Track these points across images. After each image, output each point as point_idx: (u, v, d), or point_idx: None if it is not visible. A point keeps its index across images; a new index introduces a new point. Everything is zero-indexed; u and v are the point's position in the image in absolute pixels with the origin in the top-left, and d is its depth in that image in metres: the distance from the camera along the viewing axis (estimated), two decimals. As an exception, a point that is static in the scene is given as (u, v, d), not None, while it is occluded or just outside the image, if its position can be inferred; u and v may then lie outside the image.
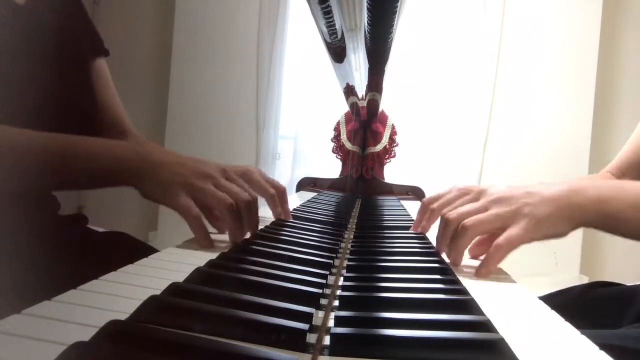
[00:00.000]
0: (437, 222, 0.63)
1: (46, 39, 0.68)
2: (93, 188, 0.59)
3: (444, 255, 0.58)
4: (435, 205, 0.66)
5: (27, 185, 0.53)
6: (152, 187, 0.56)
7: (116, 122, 0.86)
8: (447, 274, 0.50)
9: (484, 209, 0.55)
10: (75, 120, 0.74)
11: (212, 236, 0.60)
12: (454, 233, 0.55)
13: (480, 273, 0.51)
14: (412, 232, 0.72)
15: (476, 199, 0.58)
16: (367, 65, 0.76)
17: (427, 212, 0.68)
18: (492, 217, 0.53)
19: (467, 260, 0.58)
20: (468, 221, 0.54)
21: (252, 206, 0.59)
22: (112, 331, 0.27)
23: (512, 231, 0.51)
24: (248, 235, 0.59)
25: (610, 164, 0.89)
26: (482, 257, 0.53)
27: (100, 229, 0.81)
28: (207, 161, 0.61)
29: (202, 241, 0.55)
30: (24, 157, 0.52)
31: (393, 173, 1.54)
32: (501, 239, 0.51)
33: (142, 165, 0.57)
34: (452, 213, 0.57)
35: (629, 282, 0.71)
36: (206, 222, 0.58)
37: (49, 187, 0.55)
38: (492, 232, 0.54)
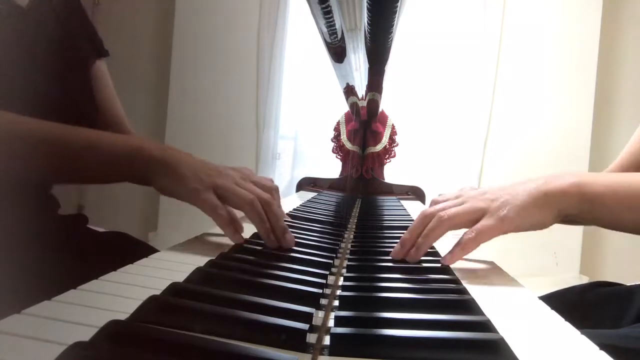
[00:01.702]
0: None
1: (49, 42, 0.68)
2: (106, 181, 0.57)
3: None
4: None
5: (36, 174, 0.52)
6: (173, 182, 0.54)
7: (116, 124, 0.86)
8: (448, 273, 0.50)
9: (461, 203, 0.55)
10: (76, 123, 0.74)
11: (211, 238, 0.60)
12: (427, 225, 0.55)
13: (445, 259, 0.52)
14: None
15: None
16: (367, 65, 0.76)
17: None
18: (467, 208, 0.54)
19: (466, 261, 0.57)
20: (443, 213, 0.54)
21: (273, 203, 0.59)
22: (112, 331, 0.27)
23: (484, 222, 0.52)
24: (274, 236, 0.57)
25: (611, 165, 0.89)
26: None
27: (100, 229, 0.81)
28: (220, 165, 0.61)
29: (232, 237, 0.54)
30: (33, 143, 0.51)
31: (393, 173, 1.54)
32: (476, 227, 0.52)
33: (162, 158, 0.55)
34: (429, 208, 0.57)
35: (629, 282, 0.71)
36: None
37: (58, 178, 0.53)
38: (469, 225, 0.54)
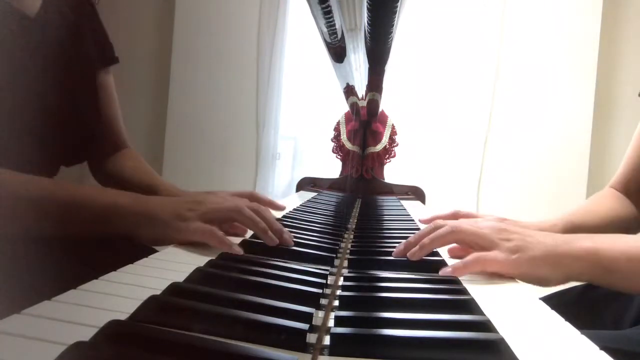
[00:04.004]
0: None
1: (55, 52, 0.68)
2: (92, 237, 0.57)
3: (446, 257, 0.58)
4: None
5: (23, 233, 0.52)
6: (158, 231, 0.55)
7: (115, 135, 0.87)
8: (447, 274, 0.50)
9: (477, 227, 0.55)
10: (80, 131, 0.75)
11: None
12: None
13: (444, 271, 0.51)
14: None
15: None
16: (367, 65, 0.76)
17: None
18: (480, 233, 0.54)
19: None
20: (458, 226, 0.55)
21: (261, 208, 0.59)
22: (112, 331, 0.27)
23: (494, 254, 0.51)
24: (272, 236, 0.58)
25: (614, 179, 0.88)
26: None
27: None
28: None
29: (231, 250, 0.53)
30: (23, 203, 0.51)
31: (393, 173, 1.54)
32: (486, 254, 0.51)
33: (138, 211, 0.56)
34: (444, 221, 0.58)
35: (629, 282, 0.71)
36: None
37: (46, 235, 0.54)
38: (474, 249, 0.54)
